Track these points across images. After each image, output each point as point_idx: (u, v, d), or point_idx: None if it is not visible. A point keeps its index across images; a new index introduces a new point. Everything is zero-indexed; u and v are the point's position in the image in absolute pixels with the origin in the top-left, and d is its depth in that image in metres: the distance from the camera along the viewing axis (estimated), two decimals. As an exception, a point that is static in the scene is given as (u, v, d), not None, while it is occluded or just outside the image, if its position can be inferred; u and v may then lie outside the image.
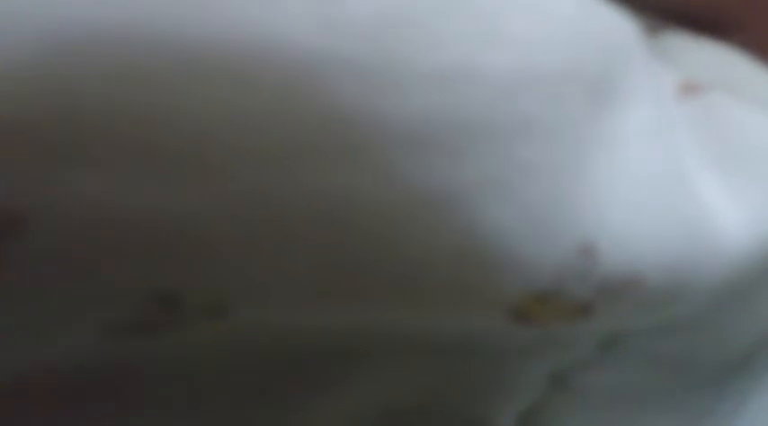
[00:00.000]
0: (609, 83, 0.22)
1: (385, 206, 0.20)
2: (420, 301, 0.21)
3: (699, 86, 0.25)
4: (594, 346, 0.25)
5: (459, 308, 0.21)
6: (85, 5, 0.18)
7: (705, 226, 0.23)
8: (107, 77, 0.18)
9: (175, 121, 0.18)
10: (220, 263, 0.20)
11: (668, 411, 0.26)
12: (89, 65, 0.18)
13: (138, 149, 0.18)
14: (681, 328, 0.25)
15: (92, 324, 0.20)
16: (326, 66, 0.19)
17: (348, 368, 0.23)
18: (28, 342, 0.20)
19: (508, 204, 0.21)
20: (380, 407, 0.24)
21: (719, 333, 0.25)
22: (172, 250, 0.19)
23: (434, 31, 0.20)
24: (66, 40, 0.18)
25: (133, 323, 0.20)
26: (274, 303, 0.21)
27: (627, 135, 0.22)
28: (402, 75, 0.19)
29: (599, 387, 0.25)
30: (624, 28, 0.23)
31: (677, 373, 0.26)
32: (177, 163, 0.19)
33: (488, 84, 0.20)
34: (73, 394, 0.22)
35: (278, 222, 0.19)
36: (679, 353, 0.25)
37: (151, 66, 0.18)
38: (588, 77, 0.22)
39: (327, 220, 0.20)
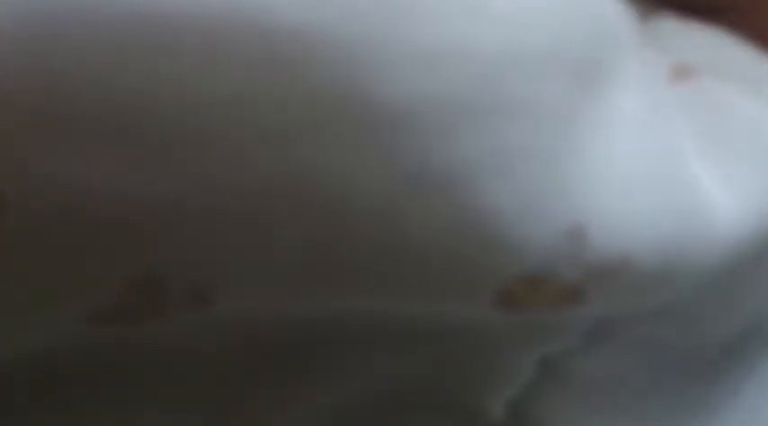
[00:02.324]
0: (599, 65, 0.22)
1: (371, 185, 0.19)
2: (410, 285, 0.21)
3: (690, 70, 0.25)
4: (585, 333, 0.24)
5: (449, 292, 0.21)
6: None
7: (696, 210, 0.23)
8: (89, 58, 0.18)
9: (159, 104, 0.18)
10: (203, 248, 0.20)
11: (660, 398, 0.26)
12: (71, 46, 0.18)
13: (120, 132, 0.18)
14: (672, 314, 0.24)
15: (75, 312, 0.20)
16: (316, 43, 0.18)
17: (336, 358, 0.23)
18: (10, 330, 0.20)
19: (497, 186, 0.20)
20: (369, 395, 0.24)
21: (711, 320, 0.25)
22: (152, 234, 0.19)
23: (424, 10, 0.19)
24: (49, 22, 0.18)
25: (116, 312, 0.20)
26: (259, 290, 0.21)
27: (617, 118, 0.22)
28: (391, 53, 0.19)
29: (590, 374, 0.25)
30: (615, 11, 0.23)
31: (668, 360, 0.26)
32: (159, 144, 0.18)
33: (477, 64, 0.20)
34: (57, 384, 0.22)
35: (263, 204, 0.19)
36: (670, 340, 0.25)
37: (134, 46, 0.18)
38: (577, 59, 0.22)
39: (315, 200, 0.19)
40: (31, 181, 0.18)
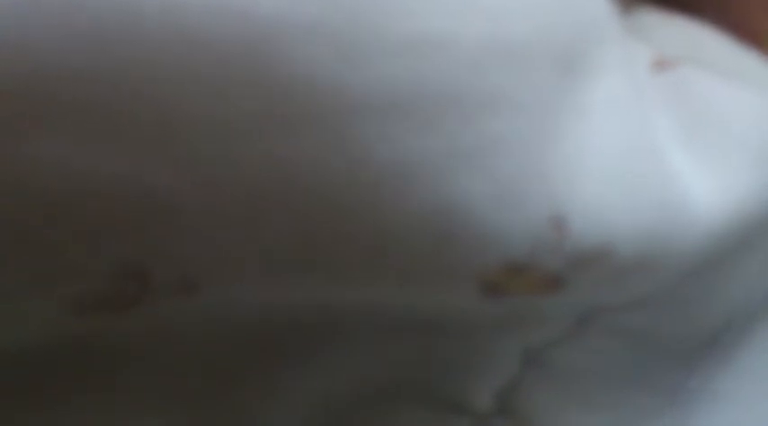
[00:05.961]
0: (579, 55, 0.22)
1: (351, 175, 0.20)
2: (391, 274, 0.21)
3: (672, 61, 0.25)
4: (568, 322, 0.24)
5: (430, 281, 0.21)
6: None
7: (676, 198, 0.23)
8: (70, 45, 0.18)
9: (139, 89, 0.18)
10: (188, 235, 0.20)
11: (641, 387, 0.26)
12: (52, 31, 0.18)
13: (102, 118, 0.18)
14: (653, 303, 0.25)
15: (60, 300, 0.20)
16: (291, 32, 0.19)
17: (320, 349, 0.23)
18: None
19: (478, 176, 0.20)
20: (353, 388, 0.24)
21: (692, 309, 0.25)
22: (136, 221, 0.19)
23: (406, 1, 0.19)
24: (30, 8, 0.18)
25: (102, 300, 0.20)
26: (244, 278, 0.21)
27: (598, 107, 0.22)
28: (369, 43, 0.19)
29: (573, 364, 0.25)
30: (596, 2, 0.23)
31: (649, 349, 0.26)
32: (141, 131, 0.18)
33: (457, 55, 0.20)
34: (43, 374, 0.22)
35: (244, 191, 0.19)
36: (651, 329, 0.25)
37: (113, 34, 0.18)
38: (558, 49, 0.22)
39: (294, 190, 0.19)
40: (10, 168, 0.18)
